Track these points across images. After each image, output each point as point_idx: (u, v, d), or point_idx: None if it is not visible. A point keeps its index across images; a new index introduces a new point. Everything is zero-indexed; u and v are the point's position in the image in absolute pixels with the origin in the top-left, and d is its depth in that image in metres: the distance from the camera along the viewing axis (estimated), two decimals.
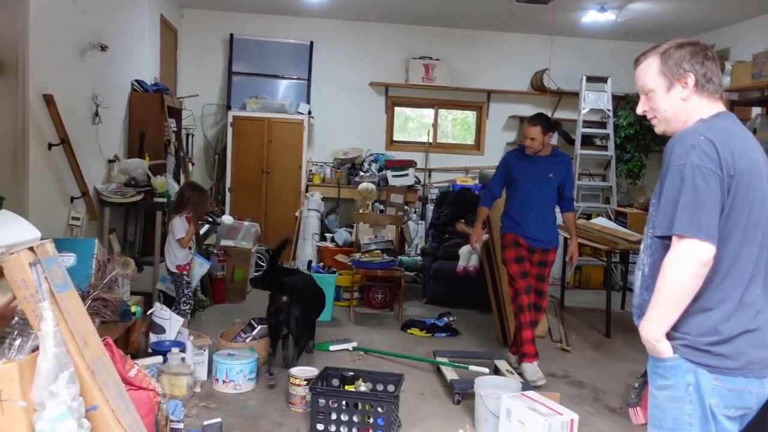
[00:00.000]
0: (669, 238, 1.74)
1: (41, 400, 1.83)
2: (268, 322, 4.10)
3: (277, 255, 4.30)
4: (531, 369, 4.07)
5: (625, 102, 7.69)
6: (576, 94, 7.73)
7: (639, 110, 1.97)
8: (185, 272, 4.62)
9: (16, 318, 2.12)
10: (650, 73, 1.88)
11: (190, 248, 4.65)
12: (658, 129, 1.94)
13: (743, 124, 1.93)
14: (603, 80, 7.61)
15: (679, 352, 1.77)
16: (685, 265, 1.69)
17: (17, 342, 2.07)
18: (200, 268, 5.12)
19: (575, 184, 4.26)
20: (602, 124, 7.75)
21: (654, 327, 1.77)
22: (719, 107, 1.86)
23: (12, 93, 3.73)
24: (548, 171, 4.22)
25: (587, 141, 7.72)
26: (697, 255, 1.68)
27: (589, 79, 7.60)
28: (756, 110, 5.92)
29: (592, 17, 6.87)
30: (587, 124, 7.63)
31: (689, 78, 1.82)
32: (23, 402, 1.81)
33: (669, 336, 1.78)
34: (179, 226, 4.52)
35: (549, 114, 8.11)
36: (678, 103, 1.85)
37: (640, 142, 7.70)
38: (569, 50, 7.92)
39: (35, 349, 1.99)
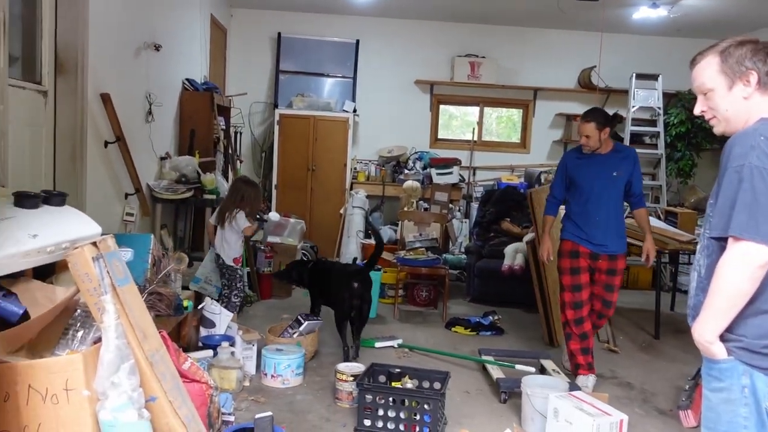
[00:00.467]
0: (725, 239, 1.72)
1: (104, 390, 1.90)
2: (342, 309, 4.31)
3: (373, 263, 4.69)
4: (583, 382, 3.87)
5: (677, 99, 7.52)
6: (625, 92, 7.58)
7: (697, 110, 1.94)
8: (239, 265, 4.71)
9: (79, 310, 2.20)
10: (709, 72, 1.85)
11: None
12: (718, 129, 1.90)
13: None
14: (654, 77, 7.45)
15: (735, 354, 1.74)
16: (741, 268, 1.67)
17: (80, 333, 2.15)
18: None
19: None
20: (652, 122, 7.58)
21: (707, 329, 1.75)
22: None
23: (71, 92, 3.86)
24: (612, 169, 3.91)
25: (636, 139, 7.57)
26: (754, 257, 1.66)
27: (639, 76, 7.45)
28: None
29: (643, 13, 6.73)
30: (636, 122, 7.48)
31: (752, 76, 1.79)
32: (87, 391, 1.88)
33: (724, 338, 1.76)
34: (242, 219, 4.57)
35: None
36: (739, 102, 1.82)
37: (691, 140, 7.52)
38: (618, 47, 7.76)
39: (97, 340, 2.06)
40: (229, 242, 4.59)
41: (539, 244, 4.31)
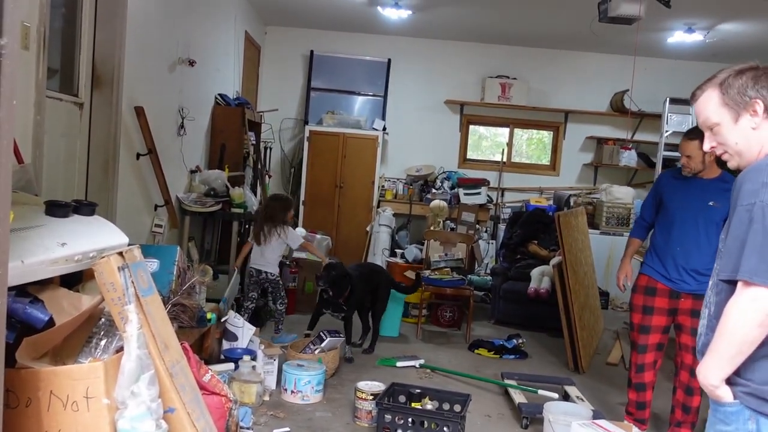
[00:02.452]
0: (734, 282, 1.63)
1: (123, 399, 1.91)
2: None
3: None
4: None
5: None
6: (658, 116, 7.51)
7: (706, 147, 1.85)
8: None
9: (103, 319, 2.22)
10: (711, 106, 1.79)
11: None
12: (732, 164, 1.82)
13: None
14: (688, 102, 7.32)
15: (741, 398, 1.67)
16: (750, 315, 1.58)
17: (103, 342, 2.17)
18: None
19: None
20: None
21: (712, 374, 1.68)
22: None
23: (107, 105, 3.94)
24: (710, 197, 3.40)
25: (669, 164, 7.44)
26: (764, 304, 1.57)
27: (673, 101, 7.36)
28: None
29: (678, 38, 6.68)
30: (669, 147, 7.37)
31: (757, 105, 1.72)
32: (107, 400, 1.89)
33: (731, 381, 1.69)
34: (293, 235, 5.07)
35: (629, 136, 7.91)
36: (749, 133, 1.74)
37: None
38: (651, 71, 7.71)
39: (119, 349, 2.08)
40: (267, 257, 4.94)
41: (568, 266, 4.04)
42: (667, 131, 7.32)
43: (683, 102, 7.35)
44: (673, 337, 3.59)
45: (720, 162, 5.32)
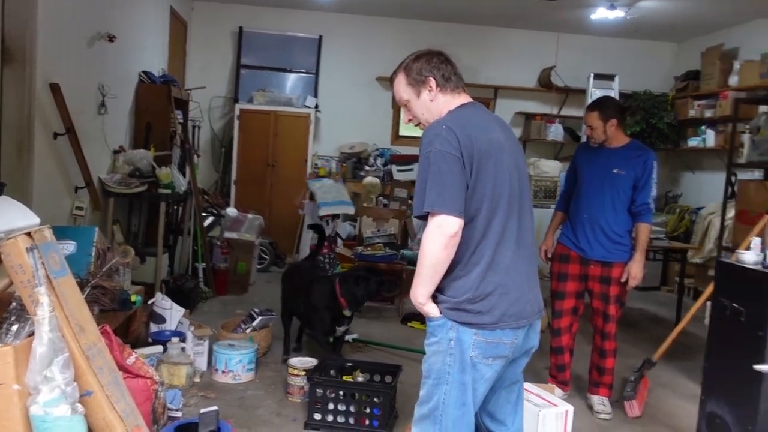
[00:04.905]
0: (426, 217, 1.94)
1: (35, 385, 1.86)
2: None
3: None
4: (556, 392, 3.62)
5: (633, 100, 7.65)
6: (583, 92, 7.70)
7: (405, 120, 2.24)
8: None
9: (14, 303, 2.14)
10: (401, 87, 2.15)
11: None
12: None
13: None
14: (610, 78, 7.58)
15: (444, 313, 1.99)
16: (437, 238, 1.89)
17: (14, 327, 2.10)
18: None
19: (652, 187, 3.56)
20: None
21: (419, 293, 1.98)
22: (464, 99, 2.13)
23: (19, 81, 3.76)
24: (614, 165, 3.50)
25: None
26: (445, 228, 1.88)
27: (597, 76, 7.57)
28: (763, 108, 5.88)
29: (600, 14, 6.84)
30: None
31: (431, 81, 2.10)
32: (17, 386, 1.84)
33: (437, 299, 2.01)
34: None
35: (556, 111, 8.11)
36: (429, 105, 2.12)
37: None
38: (577, 47, 7.90)
39: (32, 334, 2.02)
40: None
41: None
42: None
43: (606, 77, 7.59)
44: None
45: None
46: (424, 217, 1.95)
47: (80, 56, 4.52)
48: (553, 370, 3.81)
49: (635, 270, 3.53)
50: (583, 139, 7.45)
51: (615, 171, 3.51)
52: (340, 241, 5.28)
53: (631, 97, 7.70)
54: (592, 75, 7.55)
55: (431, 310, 1.99)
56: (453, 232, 1.89)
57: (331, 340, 4.07)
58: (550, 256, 3.84)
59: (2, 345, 1.96)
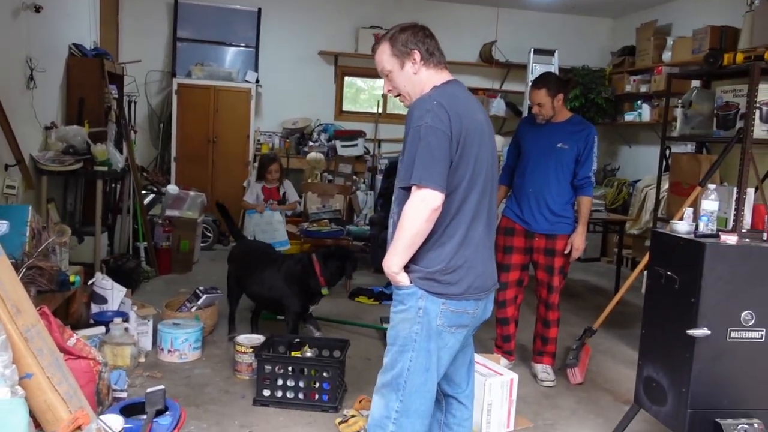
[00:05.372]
0: (409, 189, 1.99)
1: None
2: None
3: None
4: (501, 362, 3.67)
5: (571, 75, 7.81)
6: (524, 67, 7.81)
7: (384, 90, 2.24)
8: None
9: None
10: (384, 57, 2.16)
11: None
12: (406, 104, 2.19)
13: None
14: (550, 53, 7.70)
15: (415, 282, 2.06)
16: (420, 211, 1.96)
17: None
18: None
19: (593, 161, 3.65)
20: None
21: (394, 262, 2.04)
22: (447, 76, 2.17)
23: None
24: (557, 139, 3.57)
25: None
26: (429, 202, 1.95)
27: (537, 51, 7.68)
28: (695, 83, 6.09)
29: None
30: None
31: (415, 54, 2.12)
32: None
33: (408, 269, 2.07)
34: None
35: (498, 86, 8.20)
36: (412, 77, 2.14)
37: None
38: (517, 22, 7.98)
39: None
40: None
41: None
42: (531, 81, 7.63)
43: (546, 53, 7.71)
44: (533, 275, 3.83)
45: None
46: (407, 189, 2.00)
47: (4, 28, 4.29)
48: (498, 340, 3.89)
49: (578, 242, 3.63)
50: (524, 114, 7.58)
51: (559, 145, 3.57)
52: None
53: (570, 72, 7.85)
54: (532, 50, 7.65)
55: (403, 279, 2.06)
56: (436, 206, 1.96)
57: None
58: None
59: None
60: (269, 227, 5.24)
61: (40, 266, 2.72)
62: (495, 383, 3.07)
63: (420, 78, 2.14)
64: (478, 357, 3.31)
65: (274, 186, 5.34)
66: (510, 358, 3.88)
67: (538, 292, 3.80)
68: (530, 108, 3.68)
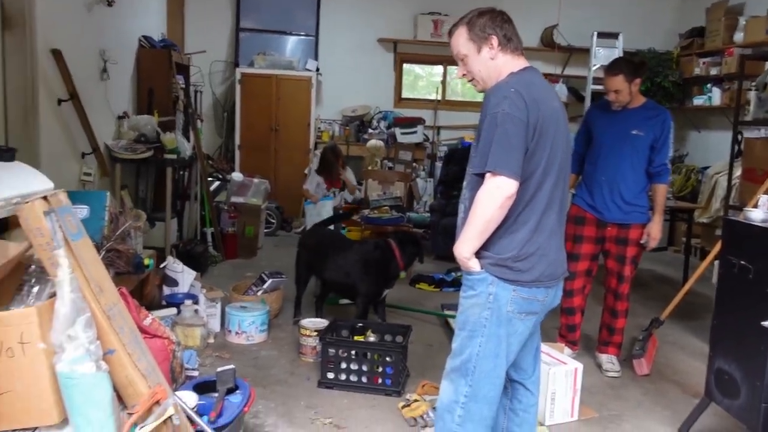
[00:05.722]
0: (483, 175, 2.00)
1: (60, 343, 1.88)
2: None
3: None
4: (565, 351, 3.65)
5: (637, 59, 7.57)
6: (586, 51, 7.62)
7: (458, 74, 2.24)
8: None
9: (33, 266, 2.16)
10: (461, 40, 2.14)
11: None
12: (478, 88, 2.20)
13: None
14: (614, 36, 7.49)
15: (486, 268, 2.07)
16: (494, 198, 1.96)
17: (35, 289, 2.12)
18: None
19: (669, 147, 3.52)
20: None
21: (465, 248, 2.06)
22: (523, 62, 2.15)
23: (20, 47, 3.72)
24: (632, 126, 3.45)
25: (597, 98, 7.61)
26: (504, 189, 1.95)
27: (600, 35, 7.48)
28: None
29: None
30: (597, 80, 7.52)
31: (493, 39, 2.10)
32: (43, 344, 1.87)
33: (479, 255, 2.08)
34: None
35: (559, 71, 8.04)
36: (488, 62, 2.12)
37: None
38: (580, 5, 7.79)
39: (53, 295, 2.04)
40: None
41: None
42: (594, 65, 7.45)
43: (610, 36, 7.50)
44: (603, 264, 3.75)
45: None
46: (481, 175, 2.00)
47: (80, 21, 4.47)
48: (563, 329, 3.83)
49: (655, 231, 3.52)
50: (587, 99, 7.41)
51: (634, 132, 3.46)
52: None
53: (635, 56, 7.62)
54: (595, 33, 7.46)
55: (474, 265, 2.07)
56: (510, 193, 1.95)
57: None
58: None
59: (24, 306, 1.98)
60: (318, 217, 5.41)
61: (118, 249, 2.85)
62: (559, 372, 3.05)
63: (496, 64, 2.12)
64: (542, 346, 3.29)
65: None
66: (574, 348, 3.84)
67: (607, 281, 3.71)
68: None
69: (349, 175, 5.33)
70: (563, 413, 3.08)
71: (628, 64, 3.50)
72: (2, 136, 3.69)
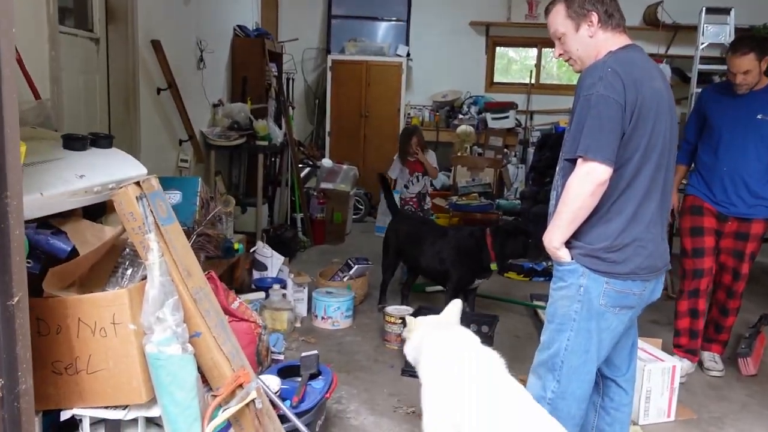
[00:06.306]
0: (575, 161, 1.90)
1: (149, 325, 1.95)
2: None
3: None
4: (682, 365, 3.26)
5: (760, 35, 7.03)
6: (693, 28, 7.13)
7: (555, 54, 2.14)
8: None
9: (127, 249, 2.25)
10: (559, 18, 2.05)
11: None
12: (576, 68, 2.09)
13: None
14: (725, 11, 6.96)
15: (577, 258, 1.98)
16: (585, 186, 1.87)
17: (129, 272, 2.21)
18: None
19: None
20: (722, 60, 7.12)
21: (555, 237, 1.98)
22: (625, 40, 2.04)
23: (123, 39, 3.90)
24: (758, 110, 3.15)
25: (705, 79, 7.13)
26: (595, 176, 1.86)
27: (709, 10, 6.97)
28: None
29: None
30: (705, 60, 7.05)
31: (593, 16, 2.00)
32: (133, 326, 1.94)
33: (570, 245, 1.99)
34: None
35: (663, 51, 7.59)
36: (587, 41, 2.02)
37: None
38: None
39: (144, 278, 2.12)
40: None
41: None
42: (703, 44, 6.96)
43: (721, 11, 6.98)
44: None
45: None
46: (573, 161, 1.92)
47: (178, 12, 4.63)
48: (683, 338, 3.43)
49: None
50: (693, 81, 6.95)
51: (759, 117, 3.16)
52: (428, 199, 5.27)
53: (748, 32, 7.07)
54: (704, 9, 6.95)
55: (564, 255, 1.99)
56: (602, 180, 1.86)
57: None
58: (675, 214, 3.59)
59: (118, 288, 2.07)
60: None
61: (208, 234, 2.93)
62: (655, 369, 2.89)
63: (595, 42, 2.01)
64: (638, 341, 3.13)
65: (416, 159, 5.26)
66: (694, 359, 3.46)
67: (720, 277, 3.42)
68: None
69: (429, 157, 5.19)
70: (659, 413, 2.92)
71: (757, 42, 3.16)
72: (105, 123, 3.89)
